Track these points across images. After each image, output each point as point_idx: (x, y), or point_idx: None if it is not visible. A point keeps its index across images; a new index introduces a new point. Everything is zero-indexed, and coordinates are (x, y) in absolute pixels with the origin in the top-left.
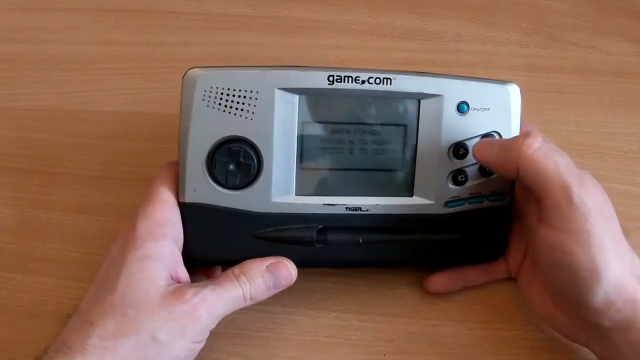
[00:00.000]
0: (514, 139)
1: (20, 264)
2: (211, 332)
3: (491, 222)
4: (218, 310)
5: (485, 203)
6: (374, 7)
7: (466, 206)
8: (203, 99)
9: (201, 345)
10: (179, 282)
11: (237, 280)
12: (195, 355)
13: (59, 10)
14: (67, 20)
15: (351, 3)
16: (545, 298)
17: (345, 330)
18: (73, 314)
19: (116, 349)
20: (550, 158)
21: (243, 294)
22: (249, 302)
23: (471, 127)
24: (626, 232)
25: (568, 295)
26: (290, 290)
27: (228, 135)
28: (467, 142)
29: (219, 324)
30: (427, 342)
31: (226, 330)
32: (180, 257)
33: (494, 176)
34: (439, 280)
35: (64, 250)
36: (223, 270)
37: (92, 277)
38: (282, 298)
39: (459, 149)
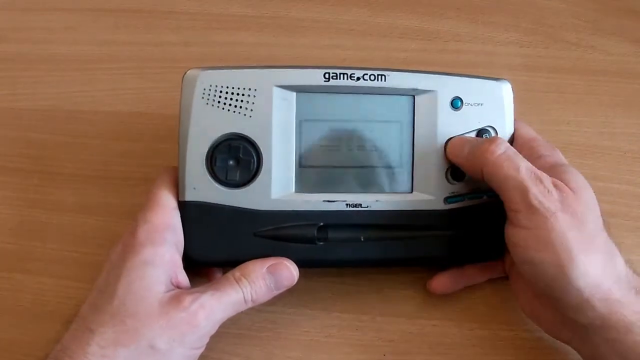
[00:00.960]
0: (480, 143)
1: (20, 264)
2: None
3: (491, 217)
4: (217, 316)
5: (485, 199)
6: (374, 7)
7: (466, 202)
8: (202, 97)
9: (201, 350)
10: (178, 287)
11: (238, 283)
12: None
13: (59, 10)
14: (67, 20)
15: (351, 3)
16: (529, 296)
17: (345, 330)
18: (73, 320)
19: (115, 357)
20: (512, 163)
21: (244, 297)
22: (250, 305)
23: (466, 122)
24: (607, 229)
25: (542, 292)
26: (290, 290)
27: (227, 132)
28: None
29: (220, 324)
30: (427, 342)
31: (226, 330)
32: (181, 261)
33: None
34: (442, 281)
35: (64, 250)
36: (224, 272)
37: (92, 277)
38: (283, 298)
39: None
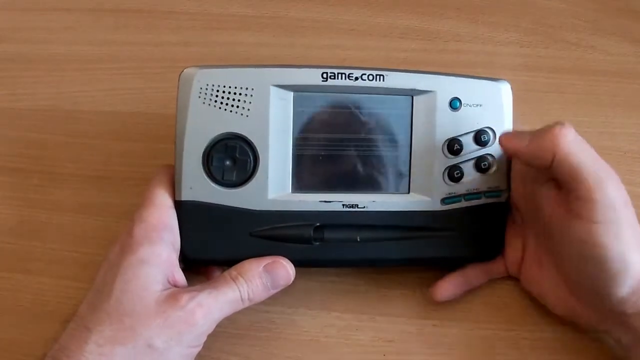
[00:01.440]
0: (549, 127)
1: (20, 264)
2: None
3: (489, 218)
4: (215, 315)
5: (482, 199)
6: (374, 7)
7: (463, 203)
8: (199, 97)
9: (198, 349)
10: (175, 286)
11: (234, 282)
12: (192, 359)
13: (59, 10)
14: (67, 20)
15: (351, 3)
16: (561, 292)
17: (345, 330)
18: (71, 320)
19: (113, 356)
20: (585, 149)
21: (241, 296)
22: (247, 304)
23: (464, 123)
24: None
25: (593, 288)
26: (290, 290)
27: (224, 132)
28: (461, 138)
29: (219, 324)
30: (427, 342)
31: (225, 330)
32: (177, 260)
33: (490, 172)
34: (444, 287)
35: (64, 250)
36: (223, 271)
37: (91, 277)
38: (282, 298)
39: (453, 145)
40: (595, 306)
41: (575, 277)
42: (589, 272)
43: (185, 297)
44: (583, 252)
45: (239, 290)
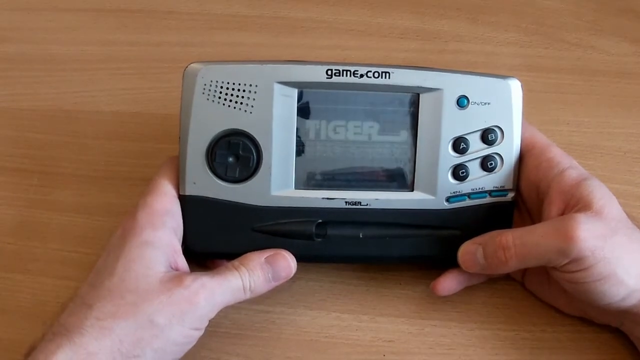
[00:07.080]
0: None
1: (20, 264)
2: (211, 332)
3: (494, 218)
4: (217, 298)
5: (488, 199)
6: (374, 7)
7: (468, 202)
8: (203, 93)
9: (200, 333)
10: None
11: (237, 270)
12: (193, 343)
13: (59, 10)
14: (67, 20)
15: (351, 3)
16: (568, 298)
17: (345, 330)
18: (70, 300)
19: (113, 330)
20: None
21: (242, 284)
22: (248, 295)
23: (471, 121)
24: (632, 218)
25: (594, 302)
26: (290, 290)
27: (227, 128)
28: (467, 137)
29: (219, 324)
30: (427, 342)
31: (226, 330)
32: (180, 247)
33: (496, 171)
34: (446, 283)
35: (64, 250)
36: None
37: None
38: (282, 298)
39: (459, 144)
40: (605, 310)
41: (575, 295)
42: (584, 296)
43: (189, 278)
44: (579, 290)
45: (241, 279)
